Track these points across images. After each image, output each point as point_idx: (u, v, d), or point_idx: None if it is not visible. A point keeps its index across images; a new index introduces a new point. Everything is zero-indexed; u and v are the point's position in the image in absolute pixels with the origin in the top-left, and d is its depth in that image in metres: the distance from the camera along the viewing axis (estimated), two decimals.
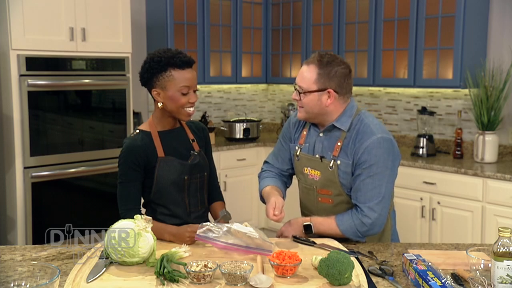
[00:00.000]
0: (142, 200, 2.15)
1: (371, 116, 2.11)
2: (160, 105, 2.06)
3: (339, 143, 2.06)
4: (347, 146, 2.05)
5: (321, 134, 2.13)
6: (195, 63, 2.09)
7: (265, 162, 2.38)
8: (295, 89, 2.09)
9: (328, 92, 2.03)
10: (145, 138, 2.07)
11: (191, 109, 2.06)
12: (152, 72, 2.04)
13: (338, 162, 2.05)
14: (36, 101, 3.59)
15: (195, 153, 2.14)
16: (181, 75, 2.01)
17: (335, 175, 2.06)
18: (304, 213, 2.24)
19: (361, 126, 2.04)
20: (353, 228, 2.03)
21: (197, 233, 1.82)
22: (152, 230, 1.80)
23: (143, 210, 2.15)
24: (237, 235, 1.81)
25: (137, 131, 2.12)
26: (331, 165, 2.06)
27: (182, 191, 2.08)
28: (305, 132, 2.19)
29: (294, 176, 2.33)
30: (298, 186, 2.26)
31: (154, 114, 2.12)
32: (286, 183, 2.33)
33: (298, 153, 2.19)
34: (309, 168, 2.14)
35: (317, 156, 2.12)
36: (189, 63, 2.04)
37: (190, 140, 2.17)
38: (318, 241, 1.97)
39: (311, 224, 2.07)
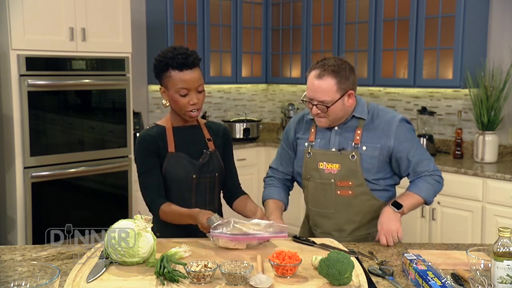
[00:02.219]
0: None
1: (379, 105, 2.26)
2: (164, 102, 2.08)
3: (358, 131, 2.14)
4: (370, 131, 2.13)
5: (336, 128, 2.17)
6: (199, 62, 2.05)
7: (270, 167, 2.40)
8: (314, 105, 2.08)
9: (349, 93, 2.09)
10: (159, 131, 2.10)
11: (194, 111, 2.04)
12: (157, 71, 2.06)
13: (364, 148, 2.12)
14: (36, 101, 3.59)
15: (208, 152, 2.13)
16: (178, 76, 1.99)
17: (357, 164, 2.11)
18: (317, 211, 2.22)
19: (379, 111, 2.18)
20: (430, 190, 2.15)
21: (210, 231, 1.81)
22: (172, 214, 1.96)
23: None
24: (248, 226, 1.82)
25: (153, 124, 2.15)
26: (352, 154, 2.11)
27: (189, 190, 2.08)
28: (313, 130, 2.22)
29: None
30: (306, 186, 2.25)
31: (170, 110, 2.14)
32: (289, 188, 2.37)
33: (309, 150, 2.19)
34: (324, 163, 2.16)
35: (333, 149, 2.15)
36: (188, 64, 1.99)
37: (206, 139, 2.15)
38: (318, 241, 1.97)
39: (398, 201, 2.10)
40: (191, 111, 2.04)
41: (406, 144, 2.12)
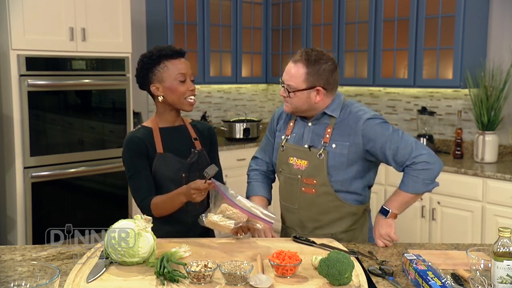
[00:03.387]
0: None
1: (357, 102, 2.20)
2: (160, 98, 2.09)
3: (329, 130, 2.11)
4: (339, 129, 2.10)
5: (310, 124, 2.17)
6: (186, 53, 2.14)
7: (254, 157, 2.41)
8: (283, 86, 2.12)
9: (317, 89, 2.07)
10: (146, 133, 2.11)
11: (192, 97, 2.10)
12: (147, 68, 2.09)
13: (333, 145, 2.09)
14: (36, 101, 3.59)
15: (196, 151, 2.15)
16: (174, 64, 2.07)
17: (323, 163, 2.09)
18: (284, 205, 2.24)
19: (352, 108, 2.13)
20: (417, 182, 2.05)
21: (212, 180, 1.86)
22: (163, 202, 1.97)
23: None
24: (244, 202, 1.88)
25: (139, 126, 2.17)
26: (320, 153, 2.09)
27: None
28: (292, 124, 2.23)
29: None
30: (278, 178, 2.28)
31: (156, 111, 2.17)
32: (273, 180, 2.38)
33: (283, 143, 2.21)
34: (295, 158, 2.17)
35: (305, 146, 2.15)
36: (180, 53, 2.10)
37: (192, 138, 2.17)
38: (318, 241, 1.97)
39: (385, 207, 2.10)
40: (190, 97, 2.09)
41: (377, 140, 2.06)
